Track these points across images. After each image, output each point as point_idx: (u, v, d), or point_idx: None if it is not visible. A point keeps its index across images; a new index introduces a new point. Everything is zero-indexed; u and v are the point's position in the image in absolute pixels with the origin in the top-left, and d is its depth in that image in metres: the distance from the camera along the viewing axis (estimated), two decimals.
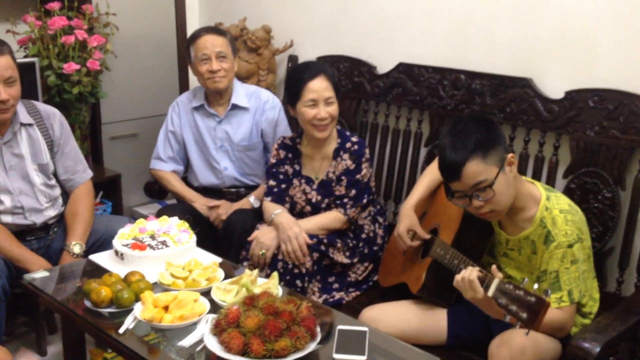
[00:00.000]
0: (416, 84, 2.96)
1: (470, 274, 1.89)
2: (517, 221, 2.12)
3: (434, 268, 2.25)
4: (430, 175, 2.49)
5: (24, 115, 2.67)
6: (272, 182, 2.82)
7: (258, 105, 3.11)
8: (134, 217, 3.59)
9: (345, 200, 2.69)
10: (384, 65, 3.12)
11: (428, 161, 2.86)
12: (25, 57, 3.14)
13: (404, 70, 3.00)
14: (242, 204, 3.05)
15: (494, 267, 1.90)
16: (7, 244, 2.56)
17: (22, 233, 2.67)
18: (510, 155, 2.04)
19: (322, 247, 2.63)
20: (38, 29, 3.17)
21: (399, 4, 3.05)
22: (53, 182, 2.76)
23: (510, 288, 1.78)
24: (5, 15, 3.30)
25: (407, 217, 2.43)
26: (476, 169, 1.97)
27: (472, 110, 2.75)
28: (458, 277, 1.94)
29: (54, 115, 2.77)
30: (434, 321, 2.26)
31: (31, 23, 3.17)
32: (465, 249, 2.15)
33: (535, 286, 1.75)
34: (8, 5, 3.45)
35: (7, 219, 2.64)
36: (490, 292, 1.82)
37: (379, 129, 3.15)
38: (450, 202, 2.10)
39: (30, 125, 2.69)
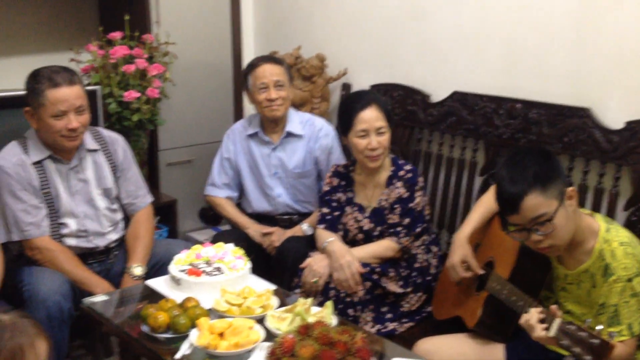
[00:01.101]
0: (471, 112, 2.94)
1: (531, 317, 1.86)
2: (575, 254, 2.07)
3: (491, 303, 2.21)
4: (485, 205, 2.46)
5: (89, 142, 2.76)
6: (325, 210, 2.83)
7: (312, 133, 3.14)
8: (189, 241, 3.64)
9: (399, 228, 2.68)
10: (437, 93, 3.12)
11: (483, 190, 2.84)
12: (88, 85, 3.25)
13: (459, 98, 3.00)
14: (295, 231, 3.07)
15: (553, 307, 1.85)
16: (73, 267, 2.63)
17: (84, 256, 2.74)
18: (570, 188, 2.00)
19: (375, 276, 2.62)
20: (100, 57, 3.28)
21: (452, 32, 3.06)
22: (116, 206, 2.84)
23: (573, 329, 1.73)
24: (70, 44, 3.42)
25: (460, 248, 2.40)
26: (535, 202, 1.94)
27: (529, 140, 2.72)
28: (522, 320, 1.91)
29: (118, 141, 2.85)
30: (491, 356, 2.22)
31: (94, 52, 3.28)
32: (522, 284, 2.10)
33: (599, 327, 1.70)
34: (72, 34, 3.59)
35: (72, 242, 2.72)
36: (552, 333, 1.78)
37: (433, 158, 3.14)
38: (507, 235, 2.07)
39: (95, 151, 2.77)
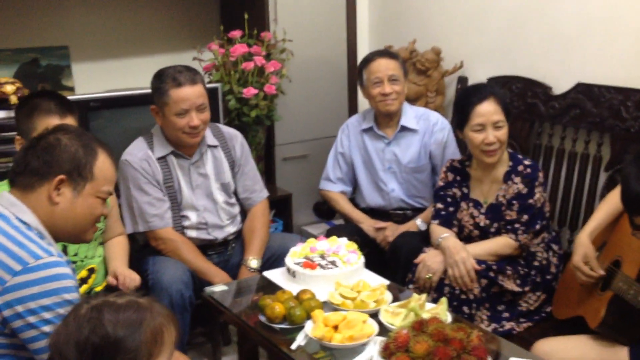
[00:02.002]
0: (596, 104, 2.81)
1: None
2: None
3: (616, 303, 2.11)
4: (612, 203, 2.33)
5: (210, 138, 2.86)
6: (439, 205, 2.79)
7: (427, 127, 3.11)
8: (303, 235, 3.71)
9: (517, 225, 2.60)
10: (560, 85, 2.99)
11: (608, 187, 2.70)
12: (209, 82, 3.37)
13: (583, 90, 2.86)
14: (409, 226, 3.05)
15: None
16: (194, 257, 2.75)
17: (204, 247, 2.85)
18: None
19: (491, 274, 2.56)
20: (221, 56, 3.39)
21: (575, 22, 2.93)
22: (233, 200, 2.93)
23: None
24: (193, 43, 3.56)
25: (582, 247, 2.30)
26: None
27: None
28: None
29: (236, 137, 2.94)
30: (614, 359, 2.12)
31: (215, 51, 3.40)
32: None
33: None
34: (195, 34, 3.73)
35: (192, 233, 2.84)
36: None
37: (554, 152, 3.03)
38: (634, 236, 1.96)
39: (215, 146, 2.88)
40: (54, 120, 2.31)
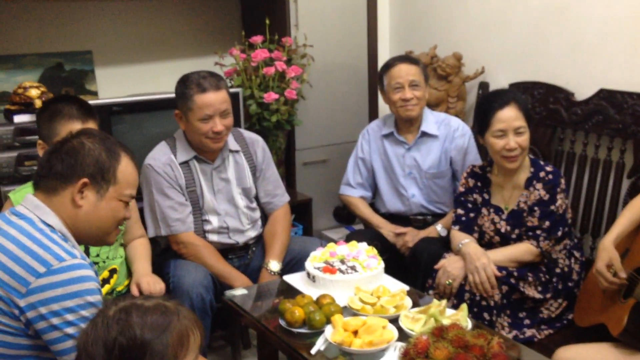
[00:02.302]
0: (619, 111, 2.78)
1: None
2: None
3: (638, 311, 2.09)
4: (635, 209, 2.32)
5: (232, 143, 2.88)
6: (460, 211, 2.78)
7: (448, 133, 3.10)
8: (322, 240, 3.71)
9: (538, 231, 2.59)
10: (582, 91, 2.97)
11: (631, 194, 2.68)
12: (231, 87, 3.39)
13: (606, 96, 2.84)
14: (429, 232, 3.04)
15: None
16: (214, 261, 2.76)
17: (225, 251, 2.87)
18: None
19: (512, 280, 2.55)
20: (242, 61, 3.41)
21: (599, 28, 2.91)
22: (254, 204, 2.94)
23: None
24: (214, 48, 3.59)
25: (605, 252, 2.28)
26: None
27: None
28: None
29: (257, 142, 2.96)
30: None
31: (236, 56, 3.42)
32: None
33: None
34: (217, 39, 3.76)
35: (214, 237, 2.85)
36: None
37: (576, 158, 3.01)
38: None
39: (237, 151, 2.89)
40: (75, 125, 2.34)
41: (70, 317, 1.63)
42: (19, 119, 2.99)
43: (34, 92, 3.04)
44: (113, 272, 2.52)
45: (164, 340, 1.32)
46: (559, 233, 2.59)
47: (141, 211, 2.80)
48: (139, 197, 2.77)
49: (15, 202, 2.34)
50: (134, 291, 2.49)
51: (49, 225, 1.73)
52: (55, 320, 1.63)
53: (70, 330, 1.63)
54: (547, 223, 2.58)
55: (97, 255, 2.50)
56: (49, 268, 1.63)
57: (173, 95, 2.79)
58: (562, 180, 2.62)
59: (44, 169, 1.78)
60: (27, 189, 2.39)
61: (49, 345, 1.66)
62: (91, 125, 2.39)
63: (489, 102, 2.65)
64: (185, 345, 1.36)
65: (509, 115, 2.58)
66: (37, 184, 1.80)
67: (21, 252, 1.65)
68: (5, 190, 2.77)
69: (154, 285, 2.50)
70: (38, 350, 1.69)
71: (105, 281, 2.48)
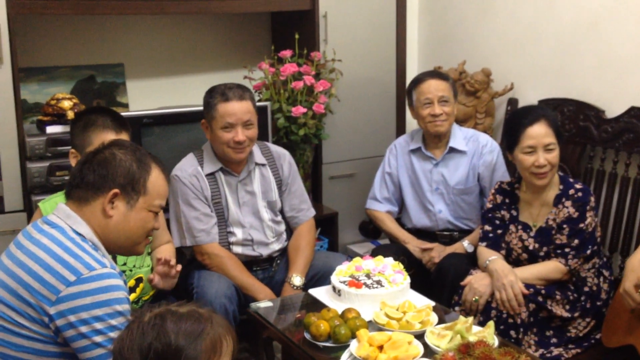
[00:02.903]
0: None
1: None
2: None
3: None
4: None
5: (258, 156, 2.90)
6: (487, 227, 2.77)
7: (476, 149, 3.09)
8: (348, 254, 3.71)
9: (567, 249, 2.56)
10: (613, 109, 2.95)
11: None
12: (259, 101, 3.41)
13: (637, 114, 2.82)
14: (456, 248, 3.02)
15: None
16: (239, 273, 2.77)
17: (249, 263, 2.88)
18: None
19: (540, 298, 2.52)
20: (271, 75, 3.44)
21: (630, 44, 2.88)
22: (279, 218, 2.95)
23: None
24: (243, 62, 3.62)
25: (633, 273, 2.25)
26: None
27: None
28: None
29: (284, 156, 2.97)
30: None
31: (265, 70, 3.45)
32: None
33: None
34: (246, 53, 3.80)
35: (238, 249, 2.87)
36: None
37: (606, 176, 2.97)
38: None
39: (263, 165, 2.91)
40: (109, 135, 2.37)
41: (98, 325, 1.65)
42: (51, 129, 3.04)
43: (66, 104, 3.10)
44: (139, 280, 2.54)
45: (197, 346, 1.34)
46: (588, 251, 2.56)
47: (167, 222, 2.82)
48: (165, 208, 2.80)
49: (45, 211, 2.37)
50: (156, 262, 2.48)
51: (80, 234, 1.75)
52: (84, 329, 1.65)
53: (98, 338, 1.65)
54: (576, 241, 2.55)
55: (124, 264, 2.52)
56: (79, 277, 1.66)
57: (202, 108, 2.82)
58: (592, 198, 2.59)
59: (76, 179, 1.81)
60: (56, 199, 2.42)
61: (77, 353, 1.67)
62: (124, 136, 2.42)
63: (518, 119, 2.64)
64: (218, 352, 1.37)
65: (539, 132, 2.56)
66: (69, 194, 1.83)
67: (52, 260, 1.68)
68: (37, 200, 2.81)
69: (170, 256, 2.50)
70: (67, 358, 1.71)
71: (131, 290, 2.50)
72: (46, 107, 3.14)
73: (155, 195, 1.83)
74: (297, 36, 3.50)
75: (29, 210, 2.95)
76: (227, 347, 1.39)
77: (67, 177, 2.73)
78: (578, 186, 2.61)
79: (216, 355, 1.36)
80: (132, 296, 2.50)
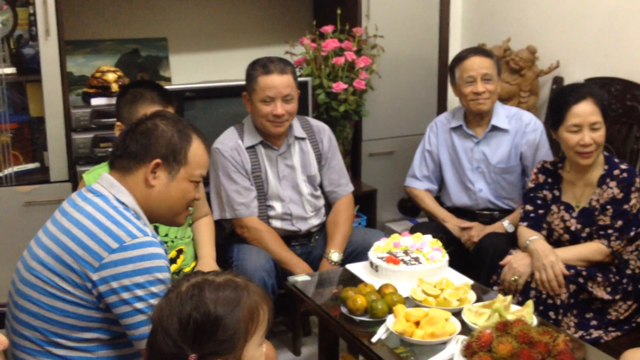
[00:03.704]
0: None
1: None
2: None
3: None
4: None
5: (298, 130, 2.90)
6: (529, 207, 2.73)
7: (519, 128, 3.04)
8: (386, 232, 3.70)
9: (610, 231, 2.51)
10: None
11: None
12: (300, 76, 3.41)
13: None
14: (496, 227, 2.99)
15: None
16: (277, 247, 2.80)
17: (288, 238, 2.90)
18: None
19: (580, 280, 2.48)
20: (313, 50, 3.43)
21: None
22: (318, 193, 2.96)
23: None
24: (285, 37, 3.62)
25: None
26: None
27: None
28: None
29: (324, 131, 2.97)
30: None
31: (307, 45, 3.44)
32: None
33: None
34: (288, 28, 3.79)
35: (277, 224, 2.89)
36: None
37: None
38: None
39: (303, 139, 2.92)
40: (156, 109, 2.40)
41: (140, 292, 1.69)
42: (96, 102, 3.09)
43: (111, 76, 3.14)
44: (180, 252, 2.58)
45: (236, 315, 1.36)
46: (632, 233, 2.51)
47: (207, 195, 2.85)
48: (205, 181, 2.83)
49: (88, 182, 2.41)
50: None
51: (122, 203, 1.78)
52: (125, 295, 1.68)
53: (139, 305, 1.68)
54: (619, 222, 2.50)
55: (166, 235, 2.57)
56: (122, 244, 1.69)
57: (244, 82, 2.83)
58: (638, 179, 2.54)
59: (119, 149, 1.84)
60: (100, 170, 2.47)
61: (118, 319, 1.71)
62: (170, 110, 2.45)
63: (564, 96, 2.59)
64: (256, 320, 1.39)
65: (585, 110, 2.51)
66: (112, 163, 1.86)
67: (96, 227, 1.71)
68: (81, 170, 2.87)
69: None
70: (108, 323, 1.75)
71: (172, 261, 2.54)
72: (91, 80, 3.20)
73: (195, 165, 1.85)
74: (339, 11, 3.48)
75: (74, 180, 3.01)
76: (264, 316, 1.41)
77: (110, 149, 2.78)
78: (623, 167, 2.56)
79: (254, 323, 1.38)
80: (173, 267, 2.55)
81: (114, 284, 1.68)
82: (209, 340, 1.34)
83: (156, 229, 2.51)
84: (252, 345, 1.39)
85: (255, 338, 1.39)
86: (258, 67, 2.75)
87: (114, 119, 2.58)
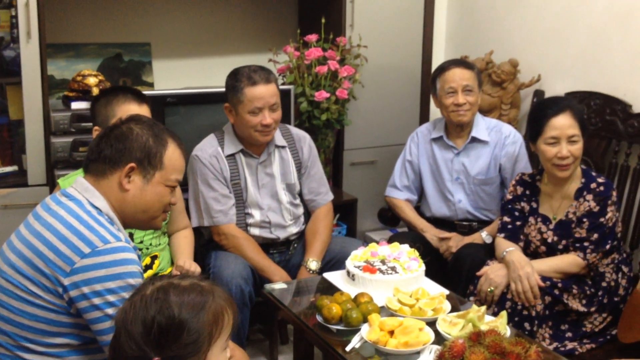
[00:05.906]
0: None
1: None
2: None
3: None
4: None
5: (279, 138, 2.90)
6: (506, 219, 2.74)
7: (498, 140, 3.05)
8: (366, 241, 3.70)
9: (586, 243, 2.53)
10: None
11: None
12: (282, 84, 3.41)
13: None
14: (474, 238, 3.00)
15: None
16: (255, 254, 2.79)
17: (266, 246, 2.89)
18: None
19: (556, 292, 2.50)
20: (296, 59, 3.43)
21: None
22: (298, 201, 2.96)
23: None
24: (268, 45, 3.62)
25: None
26: None
27: None
28: None
29: (304, 139, 2.97)
30: None
31: (290, 53, 3.45)
32: None
33: None
34: (272, 36, 3.79)
35: (255, 231, 2.88)
36: None
37: (630, 172, 2.92)
38: None
39: (283, 147, 2.92)
40: (132, 106, 2.41)
41: (111, 298, 1.67)
42: (76, 105, 3.07)
43: (92, 80, 3.13)
44: (154, 258, 2.57)
45: (201, 319, 1.35)
46: (608, 246, 2.53)
47: (186, 202, 2.84)
48: (184, 188, 2.82)
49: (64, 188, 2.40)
50: (174, 268, 2.55)
51: (96, 208, 1.77)
52: (96, 300, 1.67)
53: (110, 310, 1.67)
54: (595, 235, 2.52)
55: (141, 242, 2.55)
56: (94, 249, 1.68)
57: (224, 89, 2.82)
58: (614, 193, 2.56)
59: (93, 153, 1.83)
60: (75, 176, 2.45)
61: (89, 324, 1.70)
62: (145, 109, 2.46)
63: (543, 109, 2.61)
64: (220, 324, 1.38)
65: (563, 123, 2.53)
66: (86, 168, 1.85)
67: (68, 231, 1.70)
68: (59, 174, 2.86)
69: (191, 265, 2.55)
70: (78, 328, 1.73)
71: (147, 267, 2.53)
72: (72, 83, 3.18)
73: (171, 169, 1.85)
74: (323, 20, 3.49)
75: (52, 184, 2.99)
76: (229, 320, 1.41)
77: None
78: (600, 180, 2.58)
79: (218, 327, 1.38)
80: (149, 272, 2.53)
81: (85, 289, 1.67)
82: (173, 344, 1.33)
83: (131, 235, 2.50)
84: (216, 349, 1.38)
85: (219, 342, 1.38)
86: (243, 79, 2.73)
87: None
